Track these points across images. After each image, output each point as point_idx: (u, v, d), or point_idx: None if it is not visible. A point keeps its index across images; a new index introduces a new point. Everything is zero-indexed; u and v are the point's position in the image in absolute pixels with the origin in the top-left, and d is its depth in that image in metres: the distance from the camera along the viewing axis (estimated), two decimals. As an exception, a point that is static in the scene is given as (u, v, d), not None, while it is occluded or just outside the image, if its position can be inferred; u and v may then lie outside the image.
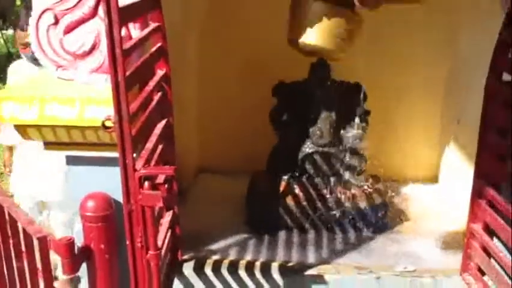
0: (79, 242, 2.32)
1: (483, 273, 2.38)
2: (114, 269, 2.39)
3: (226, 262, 2.60)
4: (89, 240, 2.33)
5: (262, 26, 3.36)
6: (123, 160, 1.80)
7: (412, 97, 3.42)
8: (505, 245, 2.24)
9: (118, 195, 2.34)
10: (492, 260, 2.30)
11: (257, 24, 3.36)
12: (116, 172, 2.25)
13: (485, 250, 2.33)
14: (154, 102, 2.19)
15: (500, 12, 2.22)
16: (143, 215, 1.86)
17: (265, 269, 2.56)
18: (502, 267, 2.22)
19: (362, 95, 2.97)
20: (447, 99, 3.33)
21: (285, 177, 2.97)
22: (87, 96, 2.18)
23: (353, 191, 2.94)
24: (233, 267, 2.56)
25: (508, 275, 2.17)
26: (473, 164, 2.75)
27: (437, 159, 3.44)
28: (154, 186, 1.85)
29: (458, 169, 3.13)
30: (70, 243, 2.21)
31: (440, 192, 3.27)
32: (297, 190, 2.94)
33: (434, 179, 3.46)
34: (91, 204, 2.32)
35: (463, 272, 2.48)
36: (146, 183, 1.83)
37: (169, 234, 2.36)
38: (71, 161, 2.38)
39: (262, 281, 2.52)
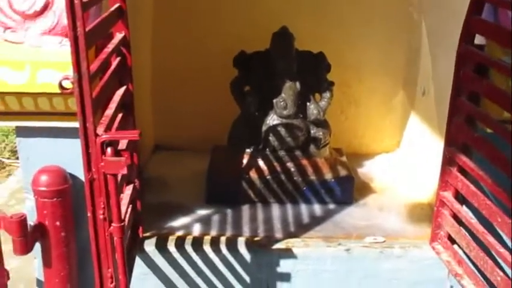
0: (32, 220, 2.17)
1: (453, 242, 2.35)
2: (71, 247, 2.25)
3: (189, 238, 2.48)
4: (43, 217, 2.18)
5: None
6: (83, 124, 1.64)
7: (372, 69, 3.36)
8: (475, 212, 2.21)
9: (74, 169, 2.21)
10: (462, 228, 2.27)
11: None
12: (71, 143, 2.12)
13: (456, 218, 2.30)
14: (112, 67, 2.04)
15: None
16: (105, 184, 1.72)
17: (231, 244, 2.45)
18: (472, 234, 2.19)
19: (325, 65, 2.90)
20: (409, 72, 3.29)
21: (248, 150, 2.87)
22: (39, 59, 2.02)
23: (317, 163, 2.86)
24: (197, 243, 2.44)
25: (478, 242, 2.14)
26: (437, 134, 2.75)
27: (400, 132, 3.40)
28: (117, 153, 1.72)
29: (420, 140, 3.10)
30: (22, 220, 2.06)
31: (403, 164, 3.24)
32: (260, 163, 2.84)
33: (397, 152, 3.42)
34: (44, 178, 2.16)
35: (432, 241, 2.44)
36: (109, 150, 1.68)
37: (129, 209, 2.22)
38: (22, 132, 2.20)
39: (229, 256, 2.42)
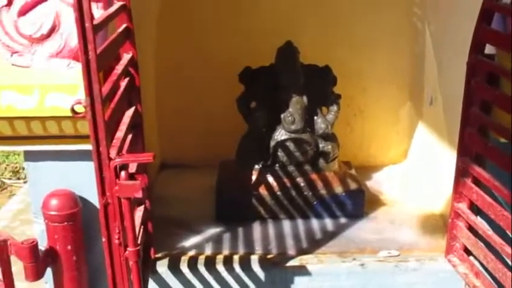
0: (42, 245, 2.14)
1: (469, 254, 2.32)
2: (82, 271, 2.21)
3: (202, 258, 2.45)
4: (54, 241, 2.15)
5: (226, 11, 3.24)
6: (96, 148, 1.62)
7: (377, 79, 3.35)
8: (491, 223, 2.18)
9: (84, 192, 2.18)
10: (479, 240, 2.24)
11: (220, 9, 3.23)
12: (80, 167, 2.11)
13: (471, 230, 2.27)
14: (122, 88, 2.02)
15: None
16: (120, 208, 1.70)
17: (244, 263, 2.42)
18: (489, 246, 2.16)
19: (331, 79, 2.88)
20: (414, 81, 3.28)
21: (257, 166, 2.84)
22: (47, 83, 2.00)
23: (327, 177, 2.84)
24: (210, 263, 2.41)
25: (495, 253, 2.11)
26: (447, 144, 2.73)
27: (407, 143, 3.38)
28: (131, 176, 1.70)
29: (429, 151, 3.08)
30: (33, 246, 2.03)
31: (412, 175, 3.21)
32: (270, 179, 2.81)
33: (405, 163, 3.40)
34: (54, 202, 2.13)
35: (448, 253, 2.41)
36: (123, 173, 1.66)
37: (141, 231, 2.19)
38: (31, 156, 2.18)
39: (242, 275, 2.38)
